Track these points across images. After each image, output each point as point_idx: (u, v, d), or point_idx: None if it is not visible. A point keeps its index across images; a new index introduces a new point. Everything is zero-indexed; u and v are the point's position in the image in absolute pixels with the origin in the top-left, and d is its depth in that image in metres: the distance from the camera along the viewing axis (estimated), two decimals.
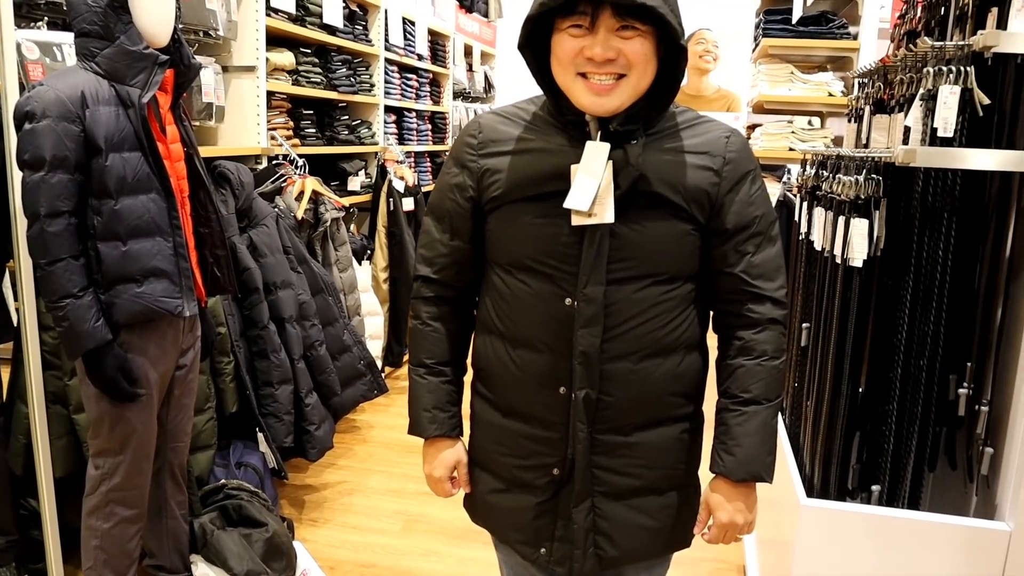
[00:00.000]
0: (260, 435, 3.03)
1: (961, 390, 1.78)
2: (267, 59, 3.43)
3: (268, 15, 3.42)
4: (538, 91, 1.35)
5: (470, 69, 6.51)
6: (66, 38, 2.33)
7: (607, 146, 1.25)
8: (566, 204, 1.24)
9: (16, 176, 1.98)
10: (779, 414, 1.39)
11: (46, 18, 2.43)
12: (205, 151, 2.55)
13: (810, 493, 1.93)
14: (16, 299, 2.35)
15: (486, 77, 6.86)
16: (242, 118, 3.41)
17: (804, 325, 2.27)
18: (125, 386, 1.99)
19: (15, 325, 2.46)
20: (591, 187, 1.23)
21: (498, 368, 1.41)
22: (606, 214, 1.25)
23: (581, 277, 1.28)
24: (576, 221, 1.26)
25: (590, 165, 1.24)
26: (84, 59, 1.96)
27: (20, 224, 2.11)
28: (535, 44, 1.29)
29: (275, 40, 3.63)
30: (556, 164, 1.28)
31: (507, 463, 1.44)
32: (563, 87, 1.27)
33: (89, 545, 2.14)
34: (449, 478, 1.55)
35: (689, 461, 1.45)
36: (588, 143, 1.26)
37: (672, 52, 1.24)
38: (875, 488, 1.88)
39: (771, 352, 1.34)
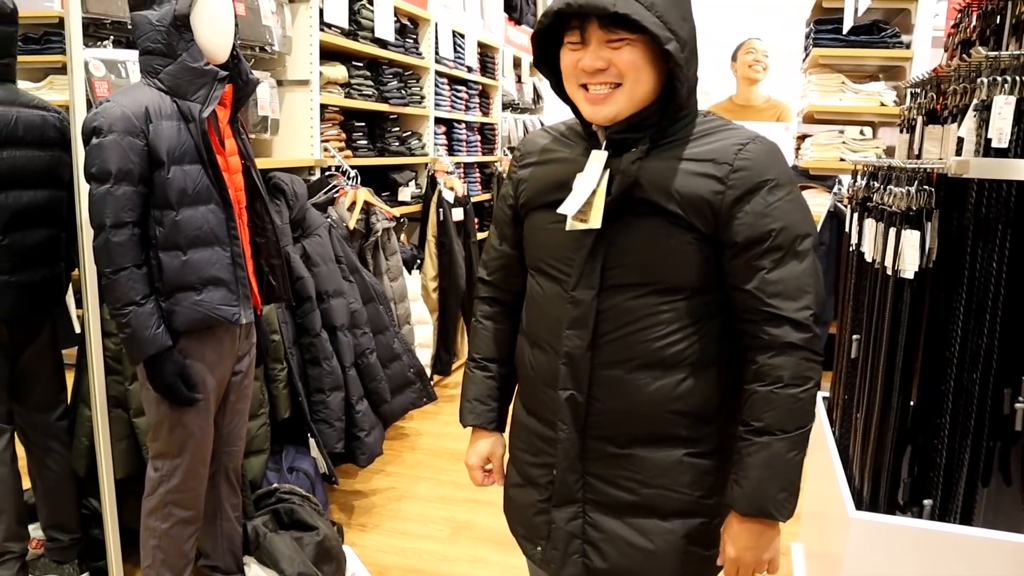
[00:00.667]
0: (312, 440, 3.08)
1: (1018, 404, 1.75)
2: (320, 73, 3.51)
3: (322, 30, 3.49)
4: None
5: (519, 80, 6.56)
6: (131, 56, 2.42)
7: (605, 154, 1.29)
8: (559, 209, 1.30)
9: (84, 189, 2.06)
10: (801, 446, 1.26)
11: (112, 37, 2.52)
12: (260, 163, 2.62)
13: (859, 506, 1.91)
14: (79, 307, 2.44)
15: (535, 88, 6.89)
16: (296, 130, 3.49)
17: (854, 337, 2.25)
18: (184, 391, 2.06)
19: (78, 332, 2.55)
20: (584, 193, 1.28)
21: (522, 366, 1.49)
22: (594, 220, 1.27)
23: (571, 280, 1.33)
24: (568, 226, 1.30)
25: (588, 172, 1.29)
26: (148, 76, 2.04)
27: (86, 235, 2.19)
28: (551, 61, 1.34)
29: (328, 54, 3.71)
30: (567, 172, 1.34)
31: (523, 459, 1.51)
32: (572, 99, 1.33)
33: (147, 544, 2.21)
34: (483, 468, 1.61)
35: (703, 489, 1.36)
36: (593, 151, 1.32)
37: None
38: (927, 503, 1.85)
39: (787, 379, 1.24)
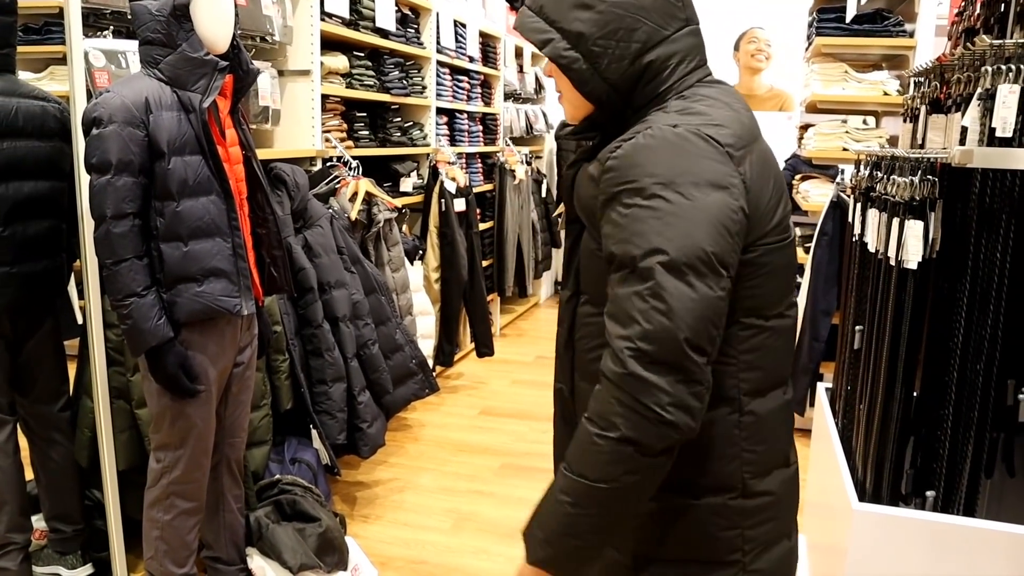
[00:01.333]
0: (314, 432, 3.09)
1: (1021, 395, 1.74)
2: (321, 63, 3.50)
3: (322, 20, 3.48)
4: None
5: (521, 70, 6.53)
6: (130, 46, 2.41)
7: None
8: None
9: (84, 180, 2.05)
10: (580, 499, 1.03)
11: (112, 27, 2.52)
12: (261, 153, 2.61)
13: (862, 498, 1.90)
14: (81, 298, 2.44)
15: (537, 78, 6.87)
16: (297, 121, 3.48)
17: (857, 328, 2.24)
18: (186, 382, 2.06)
19: (80, 323, 2.56)
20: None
21: None
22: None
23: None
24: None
25: None
26: (148, 66, 2.03)
27: (87, 226, 2.19)
28: None
29: (329, 44, 3.70)
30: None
31: None
32: None
33: (150, 536, 2.21)
34: None
35: (652, 534, 1.17)
36: None
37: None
38: (930, 494, 1.85)
39: (590, 412, 1.02)
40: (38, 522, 2.58)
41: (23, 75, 2.38)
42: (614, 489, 1.00)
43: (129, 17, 2.10)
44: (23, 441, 2.45)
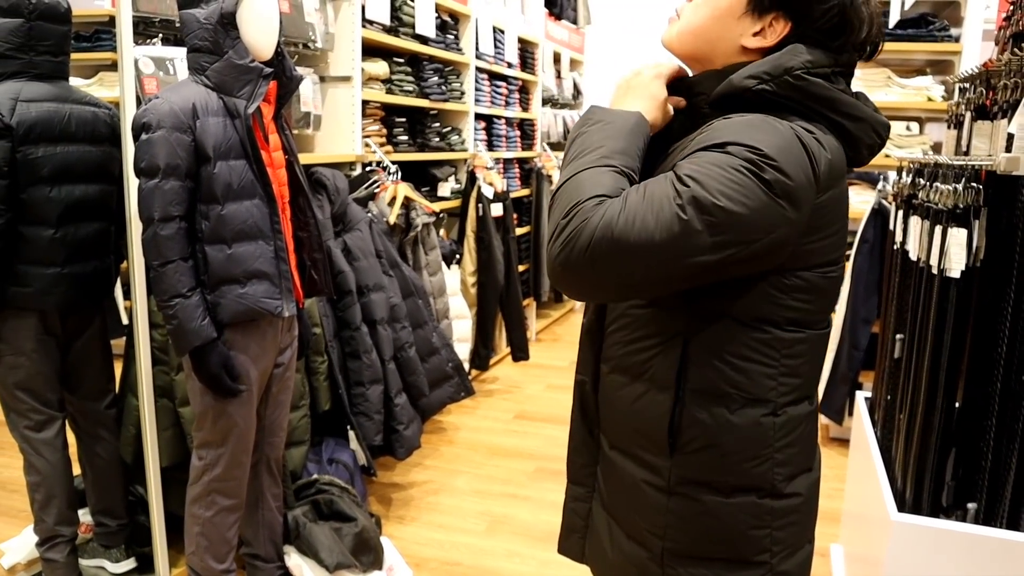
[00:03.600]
0: (351, 433, 3.12)
1: None
2: (362, 69, 3.54)
3: (364, 26, 3.53)
4: None
5: (559, 76, 6.55)
6: (178, 53, 2.47)
7: None
8: None
9: (133, 183, 2.10)
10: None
11: (160, 35, 2.57)
12: (303, 158, 2.65)
13: (901, 508, 1.88)
14: (127, 298, 2.50)
15: (574, 84, 6.87)
16: (338, 126, 3.53)
17: (898, 336, 2.21)
18: (228, 382, 2.10)
19: (125, 323, 2.61)
20: None
21: None
22: None
23: None
24: None
25: None
26: (195, 73, 2.08)
27: (135, 228, 2.24)
28: None
29: (370, 51, 3.74)
30: None
31: None
32: None
33: (191, 531, 2.26)
34: None
35: (653, 525, 1.18)
36: None
37: None
38: (971, 506, 1.82)
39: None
40: (84, 516, 2.64)
41: (73, 81, 2.44)
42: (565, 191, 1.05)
43: (178, 25, 2.15)
44: (71, 437, 2.52)
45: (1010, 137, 1.72)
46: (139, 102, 2.28)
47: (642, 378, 1.16)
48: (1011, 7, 2.22)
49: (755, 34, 1.09)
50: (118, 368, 2.62)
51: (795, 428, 1.15)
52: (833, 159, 1.04)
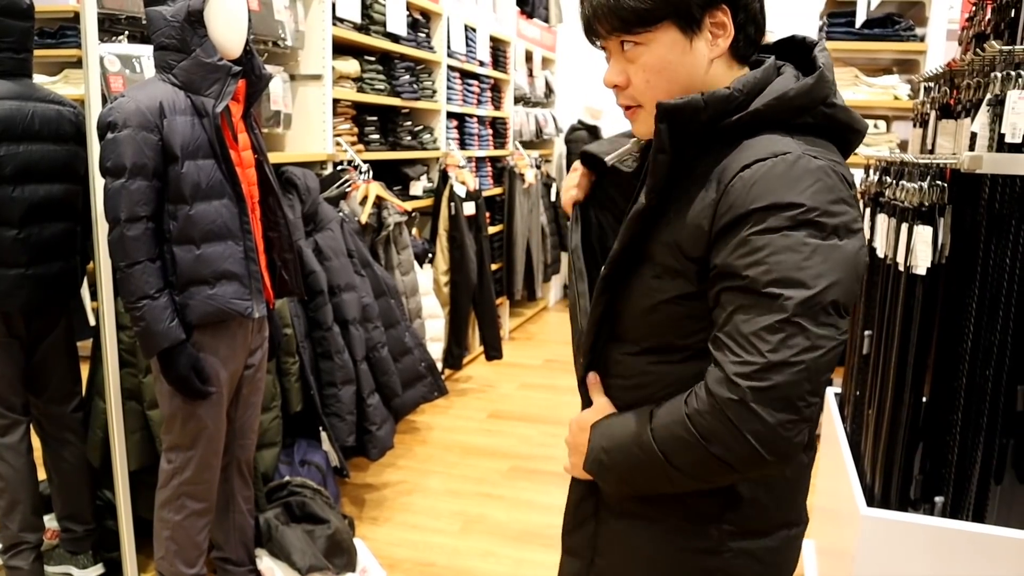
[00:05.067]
0: (323, 434, 3.10)
1: None
2: (333, 67, 3.52)
3: (334, 24, 3.50)
4: None
5: (531, 74, 6.55)
6: (145, 51, 2.44)
7: None
8: None
9: (99, 183, 2.07)
10: (663, 470, 1.00)
11: (127, 32, 2.54)
12: (273, 157, 2.63)
13: (870, 503, 1.90)
14: (94, 299, 2.46)
15: (546, 82, 6.88)
16: (308, 125, 3.50)
17: (866, 333, 2.24)
18: (197, 384, 2.07)
19: (92, 324, 2.58)
20: None
21: None
22: None
23: None
24: None
25: None
26: (162, 71, 2.05)
27: (101, 228, 2.21)
28: None
29: (341, 49, 3.72)
30: None
31: None
32: None
33: (161, 536, 2.23)
34: None
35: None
36: None
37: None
38: (938, 499, 1.85)
39: (693, 412, 0.97)
40: (50, 522, 2.60)
41: (37, 78, 2.40)
42: (688, 476, 0.99)
43: (144, 22, 2.13)
44: (36, 441, 2.47)
45: (973, 136, 1.74)
46: (105, 100, 2.25)
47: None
48: (974, 8, 2.25)
49: (711, 43, 1.04)
50: (85, 371, 2.58)
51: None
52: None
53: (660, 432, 0.99)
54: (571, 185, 1.29)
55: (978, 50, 1.84)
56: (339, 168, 3.57)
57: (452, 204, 4.56)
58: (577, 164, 1.31)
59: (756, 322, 0.91)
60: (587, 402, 1.21)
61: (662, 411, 1.00)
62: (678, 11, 1.01)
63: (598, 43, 1.10)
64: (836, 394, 2.67)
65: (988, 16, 2.09)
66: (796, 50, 1.12)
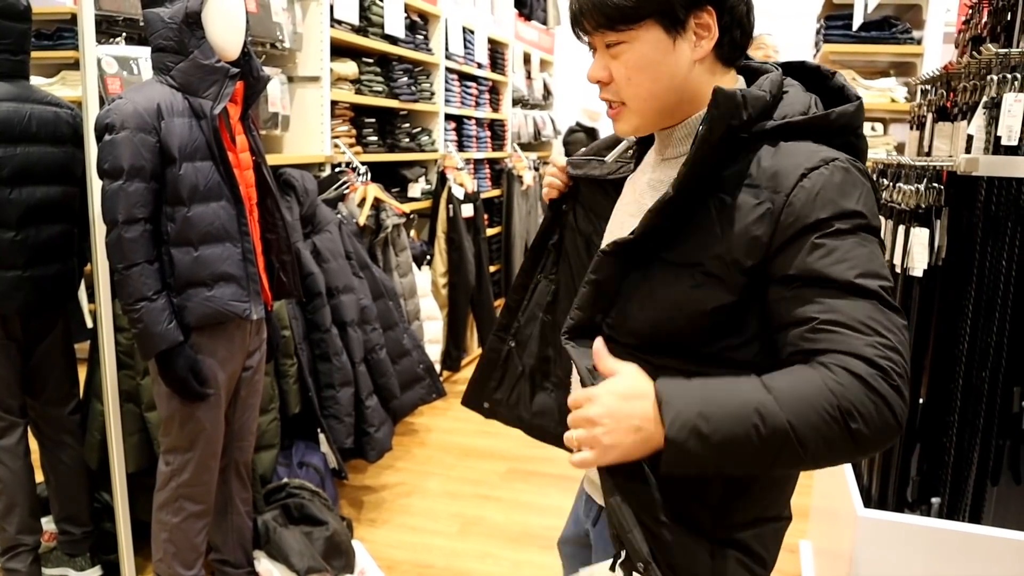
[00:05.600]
0: (321, 436, 3.10)
1: None
2: (331, 69, 3.52)
3: (332, 26, 3.50)
4: None
5: (529, 76, 6.55)
6: (142, 53, 2.44)
7: None
8: None
9: (96, 185, 2.07)
10: (783, 439, 0.91)
11: (124, 34, 2.54)
12: (271, 159, 2.63)
13: (867, 504, 1.91)
14: (91, 302, 2.46)
15: (545, 84, 6.88)
16: (307, 127, 3.50)
17: None
18: (195, 386, 2.07)
19: (90, 327, 2.58)
20: None
21: None
22: None
23: None
24: None
25: None
26: (160, 73, 2.05)
27: (98, 230, 2.21)
28: None
29: (339, 51, 3.72)
30: None
31: None
32: None
33: (159, 538, 2.23)
34: None
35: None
36: None
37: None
38: (935, 501, 1.86)
39: (834, 386, 0.94)
40: (48, 524, 2.60)
41: (35, 80, 2.40)
42: (807, 453, 0.91)
43: (141, 24, 2.12)
44: (33, 444, 2.47)
45: (969, 138, 1.75)
46: (102, 102, 2.25)
47: None
48: (970, 11, 2.26)
49: (695, 44, 1.05)
50: (82, 373, 2.57)
51: None
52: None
53: (789, 402, 0.90)
54: (547, 183, 1.36)
55: (974, 53, 1.85)
56: (337, 170, 3.57)
57: (450, 206, 4.56)
58: (557, 159, 1.36)
59: (862, 308, 0.93)
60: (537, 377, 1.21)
61: (780, 382, 0.92)
62: (662, 10, 1.02)
63: (584, 38, 1.11)
64: None
65: (984, 19, 2.10)
66: (801, 74, 1.12)
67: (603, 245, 1.11)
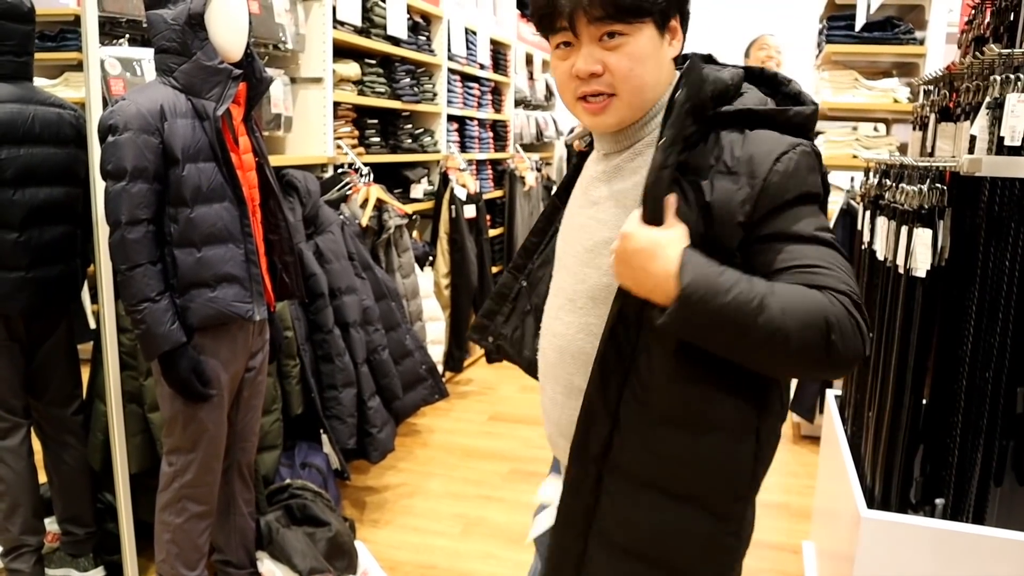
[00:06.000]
0: (324, 437, 3.10)
1: None
2: (333, 70, 3.53)
3: (335, 28, 3.51)
4: None
5: (531, 77, 6.55)
6: (146, 54, 2.44)
7: None
8: None
9: (100, 186, 2.08)
10: (762, 327, 1.02)
11: (127, 35, 2.54)
12: (274, 160, 2.63)
13: (871, 505, 1.90)
14: (95, 303, 2.46)
15: (547, 85, 6.88)
16: (309, 128, 3.51)
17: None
18: (198, 387, 2.07)
19: (93, 327, 2.58)
20: None
21: None
22: None
23: None
24: None
25: None
26: (163, 74, 2.05)
27: (101, 231, 2.21)
28: None
29: (341, 52, 3.72)
30: None
31: None
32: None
33: (161, 539, 2.23)
34: None
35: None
36: None
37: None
38: (939, 502, 1.85)
39: (824, 303, 1.09)
40: (51, 525, 2.60)
41: (38, 81, 2.41)
42: (788, 345, 1.02)
43: (145, 25, 2.13)
44: (37, 445, 2.48)
45: (972, 139, 1.75)
46: (105, 103, 2.26)
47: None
48: (973, 11, 2.26)
49: (670, 44, 1.18)
50: (85, 373, 2.58)
51: None
52: None
53: (789, 297, 1.02)
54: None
55: (977, 53, 1.85)
56: (340, 171, 3.57)
57: (453, 207, 4.56)
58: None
59: (825, 253, 1.08)
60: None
61: (783, 286, 1.05)
62: (661, 11, 1.13)
63: (568, 31, 1.14)
64: (836, 396, 2.67)
65: (987, 19, 2.10)
66: (760, 81, 1.24)
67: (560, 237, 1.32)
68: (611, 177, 1.22)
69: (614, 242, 1.11)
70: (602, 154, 1.26)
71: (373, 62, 4.03)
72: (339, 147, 3.64)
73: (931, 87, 2.25)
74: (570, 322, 1.24)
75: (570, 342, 1.24)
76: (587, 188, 1.27)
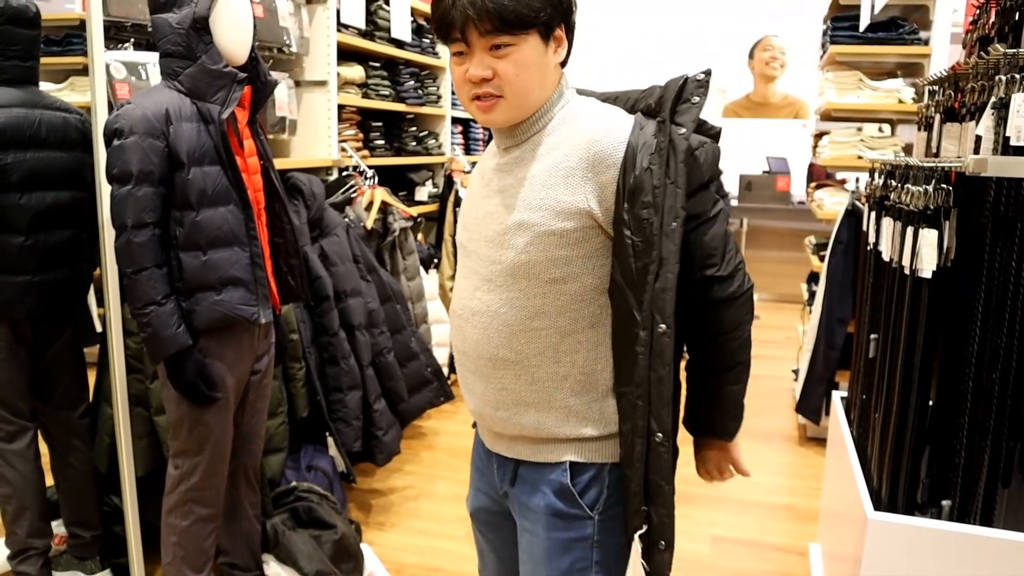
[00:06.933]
0: (330, 439, 3.10)
1: None
2: (338, 73, 3.53)
3: (339, 31, 3.51)
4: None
5: None
6: (151, 58, 2.45)
7: None
8: None
9: (105, 190, 2.08)
10: (744, 373, 1.46)
11: (132, 39, 2.55)
12: (278, 163, 2.64)
13: (877, 507, 1.90)
14: (101, 306, 2.47)
15: None
16: (314, 131, 3.51)
17: (872, 336, 2.24)
18: (204, 390, 2.08)
19: (99, 331, 2.59)
20: None
21: None
22: None
23: None
24: None
25: None
26: (168, 78, 2.06)
27: (107, 235, 2.22)
28: None
29: (345, 55, 3.73)
30: None
31: None
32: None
33: (168, 542, 2.23)
34: None
35: None
36: None
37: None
38: (945, 503, 1.84)
39: (733, 325, 1.45)
40: (57, 528, 2.61)
41: (44, 86, 2.42)
42: (747, 372, 1.42)
43: (150, 30, 2.13)
44: (43, 447, 2.48)
45: (978, 139, 1.74)
46: (111, 107, 2.26)
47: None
48: (978, 11, 2.25)
49: (555, 51, 1.32)
50: (92, 377, 2.58)
51: None
52: None
53: (736, 357, 1.40)
54: None
55: (982, 53, 1.84)
56: (344, 174, 3.58)
57: (457, 209, 4.56)
58: None
59: (726, 231, 1.37)
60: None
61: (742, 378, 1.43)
62: (545, 22, 1.28)
63: (461, 41, 1.28)
64: (842, 398, 2.67)
65: (992, 19, 2.09)
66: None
67: (460, 227, 1.48)
68: (513, 167, 1.36)
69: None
70: (502, 148, 1.40)
71: (377, 65, 4.04)
72: (343, 150, 3.64)
73: (936, 87, 2.25)
74: (491, 300, 1.36)
75: (493, 318, 1.36)
76: (488, 181, 1.41)
